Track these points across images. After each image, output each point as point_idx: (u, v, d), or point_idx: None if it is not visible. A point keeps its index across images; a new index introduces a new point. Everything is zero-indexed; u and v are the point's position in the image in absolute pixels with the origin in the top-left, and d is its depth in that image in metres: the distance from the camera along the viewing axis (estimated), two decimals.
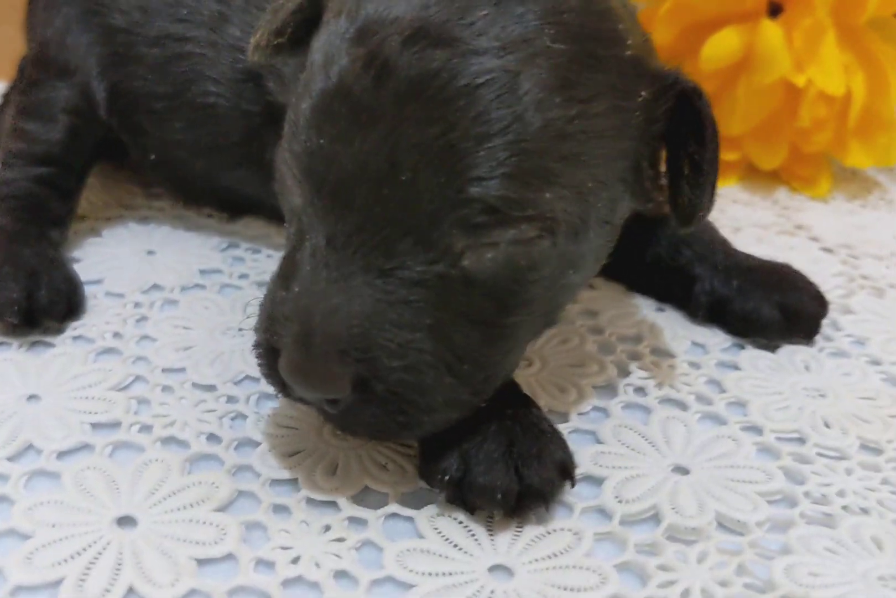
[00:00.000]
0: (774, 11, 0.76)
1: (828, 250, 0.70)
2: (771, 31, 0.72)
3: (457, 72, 0.38)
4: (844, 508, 0.46)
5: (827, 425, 0.52)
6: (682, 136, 0.45)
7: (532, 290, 0.42)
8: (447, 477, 0.43)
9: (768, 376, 0.56)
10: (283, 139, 0.43)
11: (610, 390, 0.54)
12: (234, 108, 0.61)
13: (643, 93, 0.43)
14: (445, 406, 0.42)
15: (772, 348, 0.58)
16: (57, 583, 0.39)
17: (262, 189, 0.63)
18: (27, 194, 0.61)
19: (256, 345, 0.44)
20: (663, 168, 0.47)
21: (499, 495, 0.42)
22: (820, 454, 0.50)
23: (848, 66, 0.73)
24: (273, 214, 0.66)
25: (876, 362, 0.58)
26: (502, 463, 0.43)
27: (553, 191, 0.40)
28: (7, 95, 0.74)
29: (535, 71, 0.38)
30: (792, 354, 0.58)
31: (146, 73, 0.62)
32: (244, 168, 0.63)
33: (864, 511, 0.46)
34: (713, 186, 0.45)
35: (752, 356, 0.58)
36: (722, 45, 0.72)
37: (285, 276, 0.42)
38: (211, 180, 0.65)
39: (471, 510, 0.44)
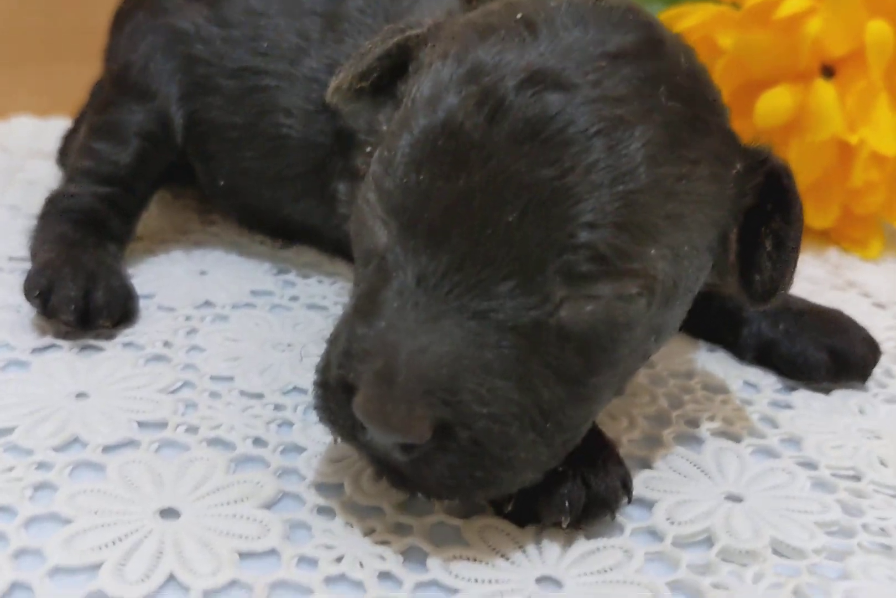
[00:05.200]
0: (827, 75, 0.77)
1: (880, 306, 0.70)
2: (824, 89, 0.73)
3: (574, 117, 0.37)
4: None
5: (884, 464, 0.50)
6: (765, 212, 0.44)
7: (620, 350, 0.41)
8: None
9: (822, 416, 0.55)
10: (368, 180, 0.42)
11: (661, 420, 0.53)
12: (304, 139, 0.62)
13: (738, 165, 0.43)
14: (524, 465, 0.39)
15: (825, 390, 0.57)
16: (97, 566, 0.39)
17: (322, 220, 0.64)
18: (89, 209, 0.62)
19: (322, 383, 0.41)
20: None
21: (566, 504, 0.41)
22: (876, 491, 0.48)
23: None
24: (328, 244, 0.67)
25: None
26: (568, 471, 0.42)
27: (656, 248, 0.39)
28: (79, 118, 0.76)
29: (649, 125, 0.38)
30: (846, 397, 0.57)
31: (223, 104, 0.64)
32: (307, 199, 0.64)
33: None
34: (795, 264, 0.44)
35: (805, 397, 0.57)
36: (775, 102, 0.73)
37: (364, 314, 0.40)
38: (274, 210, 0.66)
39: (533, 520, 0.42)
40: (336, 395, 0.40)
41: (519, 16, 0.41)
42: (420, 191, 0.39)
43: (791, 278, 0.45)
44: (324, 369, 0.41)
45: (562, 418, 0.40)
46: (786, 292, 0.45)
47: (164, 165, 0.65)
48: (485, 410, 0.38)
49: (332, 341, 0.42)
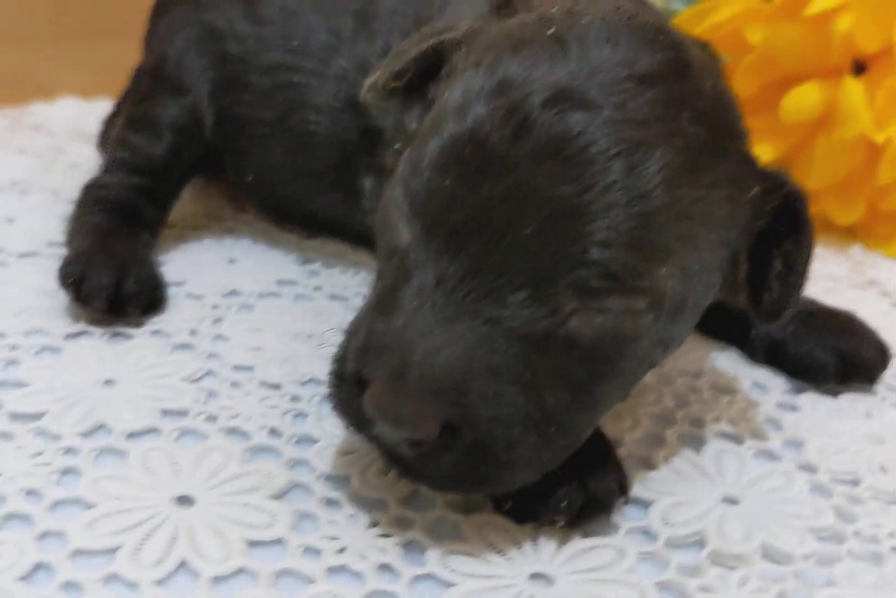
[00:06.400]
0: (858, 71, 0.76)
1: None
2: (853, 86, 0.72)
3: (596, 137, 0.38)
4: (894, 549, 0.45)
5: (884, 470, 0.51)
6: (778, 234, 0.45)
7: (625, 361, 0.42)
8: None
9: (827, 418, 0.56)
10: (396, 178, 0.43)
11: (666, 419, 0.54)
12: (331, 136, 0.64)
13: (754, 188, 0.44)
14: (525, 466, 0.41)
15: (834, 393, 0.58)
16: (114, 550, 0.41)
17: (347, 213, 0.66)
18: (124, 199, 0.65)
19: (337, 374, 0.43)
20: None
21: (563, 504, 0.43)
22: (873, 497, 0.49)
23: None
24: (351, 236, 0.69)
25: None
26: (567, 473, 0.44)
27: (667, 267, 0.40)
28: (120, 103, 0.78)
29: (669, 149, 0.39)
30: (854, 401, 0.58)
31: (253, 100, 0.65)
32: (334, 193, 0.66)
33: None
34: (802, 286, 0.46)
35: (813, 400, 0.58)
36: (803, 99, 0.73)
37: (383, 309, 0.42)
38: (301, 203, 0.68)
39: (531, 519, 0.44)
40: (350, 387, 0.42)
41: (551, 31, 0.42)
42: (444, 195, 0.40)
43: (798, 299, 0.46)
44: (340, 360, 0.43)
45: (565, 423, 0.42)
46: (793, 312, 0.46)
47: (196, 156, 0.67)
48: (491, 412, 0.39)
49: (351, 332, 0.44)
